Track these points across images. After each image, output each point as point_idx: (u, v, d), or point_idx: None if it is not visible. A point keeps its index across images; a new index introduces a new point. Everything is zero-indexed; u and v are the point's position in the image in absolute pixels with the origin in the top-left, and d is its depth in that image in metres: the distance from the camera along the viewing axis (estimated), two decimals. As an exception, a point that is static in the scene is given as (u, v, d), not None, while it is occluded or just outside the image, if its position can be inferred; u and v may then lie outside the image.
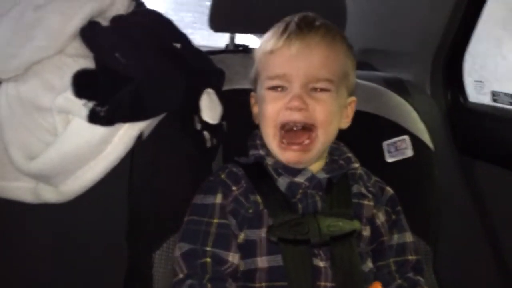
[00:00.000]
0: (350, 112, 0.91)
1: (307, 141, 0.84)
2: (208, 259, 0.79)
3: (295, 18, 0.87)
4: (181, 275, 0.80)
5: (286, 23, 0.87)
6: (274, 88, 0.85)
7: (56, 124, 0.86)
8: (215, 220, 0.82)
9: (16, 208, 0.92)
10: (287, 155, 0.84)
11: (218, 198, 0.83)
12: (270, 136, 0.86)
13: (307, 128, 0.84)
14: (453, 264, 1.04)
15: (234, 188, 0.84)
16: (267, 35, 0.89)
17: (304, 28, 0.85)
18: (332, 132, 0.87)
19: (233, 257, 0.81)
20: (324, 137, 0.85)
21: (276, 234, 0.81)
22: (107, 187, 0.88)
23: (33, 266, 0.96)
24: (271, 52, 0.86)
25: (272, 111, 0.84)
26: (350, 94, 0.91)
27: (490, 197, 1.17)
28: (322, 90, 0.84)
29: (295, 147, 0.84)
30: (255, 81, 0.91)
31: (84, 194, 0.89)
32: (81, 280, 0.96)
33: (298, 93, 0.83)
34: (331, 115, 0.85)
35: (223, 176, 0.86)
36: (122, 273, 0.89)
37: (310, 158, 0.86)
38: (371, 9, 1.51)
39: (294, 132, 0.84)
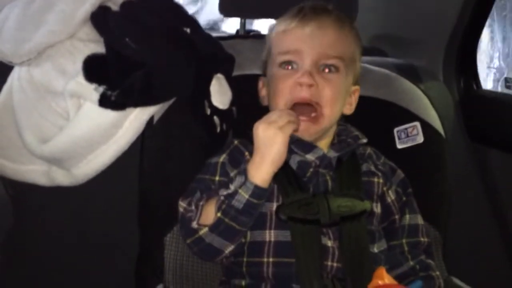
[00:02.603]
0: (353, 100, 0.93)
1: (313, 114, 0.86)
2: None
3: (308, 3, 0.90)
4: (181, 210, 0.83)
5: (299, 7, 0.89)
6: (285, 64, 0.87)
7: (68, 108, 0.87)
8: (217, 178, 0.85)
9: (30, 193, 0.93)
10: (301, 128, 0.85)
11: (222, 158, 0.86)
12: None
13: (313, 106, 0.85)
14: (462, 251, 1.04)
15: (247, 153, 0.86)
16: (282, 18, 0.91)
17: (317, 10, 0.88)
18: (337, 113, 0.89)
19: None
20: (329, 114, 0.86)
21: (286, 212, 0.81)
22: (118, 171, 0.89)
23: (47, 249, 0.98)
24: (284, 31, 0.88)
25: (283, 87, 0.86)
26: (355, 82, 0.92)
27: (501, 185, 1.16)
28: (332, 69, 0.86)
29: (303, 118, 0.85)
30: (265, 63, 0.92)
31: (96, 177, 0.89)
32: (93, 263, 0.98)
33: (308, 70, 0.85)
34: (337, 96, 0.87)
35: (236, 142, 0.89)
36: (134, 256, 0.90)
37: (319, 131, 0.87)
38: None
39: (301, 106, 0.86)
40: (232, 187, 0.80)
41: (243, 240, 0.82)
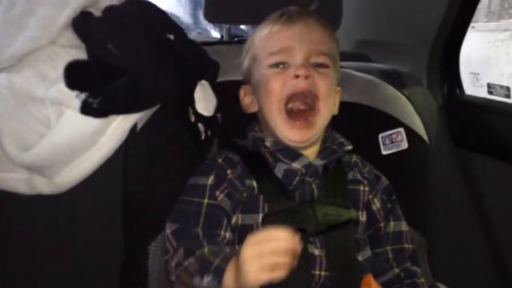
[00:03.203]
0: (337, 101, 0.94)
1: (311, 118, 0.85)
2: (200, 232, 0.81)
3: (289, 8, 0.91)
4: (172, 251, 0.81)
5: (281, 12, 0.90)
6: (275, 65, 0.87)
7: (49, 115, 0.86)
8: (206, 201, 0.83)
9: (10, 200, 0.91)
10: (291, 133, 0.85)
11: (211, 180, 0.85)
12: (275, 112, 0.86)
13: (309, 106, 0.85)
14: (447, 256, 1.05)
15: (229, 171, 0.85)
16: (263, 24, 0.91)
17: (300, 12, 0.90)
18: (329, 112, 0.89)
19: (225, 233, 0.82)
20: (324, 112, 0.87)
21: (272, 222, 0.80)
22: (101, 179, 0.88)
23: (28, 258, 0.96)
24: (271, 33, 0.88)
25: (276, 85, 0.86)
26: (337, 83, 0.93)
27: (485, 189, 1.17)
28: (322, 66, 0.87)
29: (299, 123, 0.85)
30: (248, 69, 0.92)
31: (78, 185, 0.88)
32: (76, 272, 0.96)
33: (302, 63, 0.85)
34: (330, 90, 0.88)
35: (219, 160, 0.87)
36: (118, 265, 0.89)
37: (312, 136, 0.87)
38: (368, 1, 1.50)
39: (297, 111, 0.85)
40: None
41: (233, 255, 0.81)
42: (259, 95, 0.89)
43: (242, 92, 0.93)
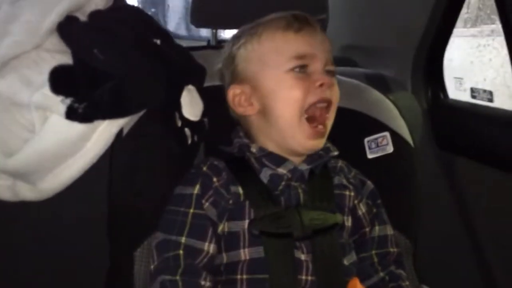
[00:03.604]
0: None
1: (327, 122, 0.86)
2: (181, 251, 0.79)
3: (290, 13, 0.88)
4: (151, 267, 0.80)
5: (289, 16, 0.88)
6: (296, 69, 0.85)
7: (34, 120, 0.85)
8: (191, 210, 0.82)
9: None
10: (311, 142, 0.85)
11: (196, 189, 0.83)
12: (295, 119, 0.84)
13: (323, 112, 0.86)
14: (433, 259, 1.06)
15: (215, 179, 0.84)
16: (269, 26, 0.88)
17: (308, 18, 0.88)
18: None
19: (209, 247, 0.81)
20: (332, 117, 0.88)
21: (258, 227, 0.81)
22: (86, 185, 0.87)
23: (13, 265, 0.95)
24: (292, 37, 0.86)
25: (299, 93, 0.84)
26: None
27: (469, 191, 1.19)
28: (332, 74, 0.88)
29: (320, 127, 0.85)
30: (248, 72, 0.87)
31: (63, 192, 0.87)
32: (62, 279, 0.95)
33: (322, 71, 0.85)
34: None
35: (204, 168, 0.86)
36: (103, 271, 0.88)
37: (323, 143, 0.88)
38: (353, 6, 1.52)
39: (316, 118, 0.85)
40: None
41: (220, 262, 0.82)
42: (270, 100, 0.86)
43: (231, 93, 0.89)
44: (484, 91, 1.28)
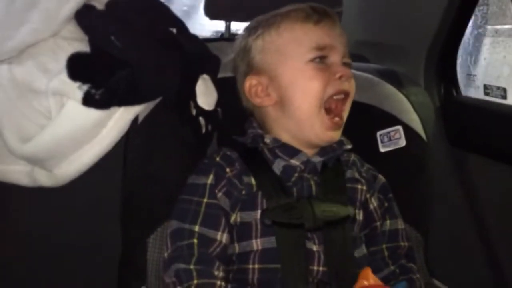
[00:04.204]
0: None
1: (344, 114, 0.87)
2: (195, 240, 0.80)
3: (308, 4, 0.89)
4: (165, 255, 0.81)
5: (306, 7, 0.88)
6: (316, 59, 0.85)
7: (50, 107, 0.86)
8: (205, 200, 0.83)
9: (11, 193, 0.91)
10: (329, 134, 0.86)
11: (210, 179, 0.84)
12: (314, 110, 0.85)
13: (340, 104, 0.86)
14: (444, 254, 1.06)
15: (228, 169, 0.85)
16: (284, 18, 0.88)
17: (330, 10, 0.89)
18: None
19: (222, 236, 0.81)
20: (348, 109, 0.88)
21: (270, 217, 0.81)
22: (101, 172, 0.88)
23: (28, 250, 0.96)
24: (312, 29, 0.86)
25: (319, 84, 0.84)
26: None
27: (481, 189, 1.18)
28: (348, 66, 0.88)
29: (337, 119, 0.86)
30: (266, 63, 0.87)
31: (78, 178, 0.88)
32: (76, 264, 0.96)
33: (341, 63, 0.86)
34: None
35: (217, 158, 0.86)
36: (116, 257, 0.89)
37: (339, 135, 0.88)
38: (367, 2, 1.52)
39: (333, 109, 0.85)
40: None
41: (232, 252, 0.82)
42: (289, 91, 0.85)
43: (248, 84, 0.88)
44: (498, 88, 1.28)
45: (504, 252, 1.14)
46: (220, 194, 0.83)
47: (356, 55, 1.46)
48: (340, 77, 0.84)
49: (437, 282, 0.95)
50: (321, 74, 0.84)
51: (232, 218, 0.83)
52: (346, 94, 0.87)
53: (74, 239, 0.96)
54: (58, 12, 0.85)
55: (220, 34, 1.23)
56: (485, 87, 1.30)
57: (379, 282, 0.75)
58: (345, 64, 0.87)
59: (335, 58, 0.86)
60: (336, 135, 0.87)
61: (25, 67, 0.87)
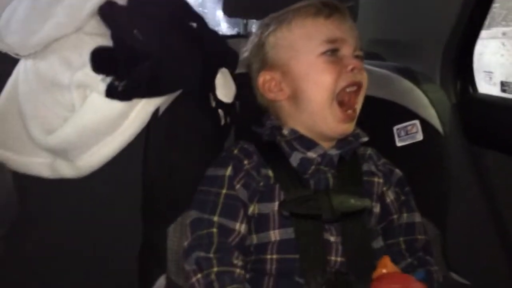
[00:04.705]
0: None
1: (356, 107, 0.88)
2: (215, 230, 0.81)
3: (319, 0, 0.90)
4: (185, 243, 0.82)
5: (317, 2, 0.89)
6: (328, 52, 0.86)
7: (73, 100, 0.88)
8: (224, 191, 0.84)
9: (34, 184, 0.93)
10: (342, 126, 0.86)
11: (229, 171, 0.85)
12: (326, 103, 0.85)
13: (353, 96, 0.87)
14: (462, 250, 1.05)
15: (245, 162, 0.86)
16: (299, 11, 0.89)
17: (335, 3, 0.90)
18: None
19: (240, 227, 0.82)
20: (361, 102, 0.89)
21: (288, 208, 0.82)
22: (123, 162, 0.90)
23: (51, 240, 0.98)
24: (323, 23, 0.87)
25: (331, 77, 0.85)
26: None
27: (499, 185, 1.18)
28: (360, 59, 0.89)
29: (350, 112, 0.86)
30: (280, 58, 0.89)
31: (100, 170, 0.90)
32: (97, 254, 0.98)
33: (353, 55, 0.87)
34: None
35: (235, 151, 0.88)
36: (137, 247, 0.91)
37: (352, 127, 0.89)
38: (382, 0, 1.52)
39: (346, 102, 0.86)
40: None
41: (250, 243, 0.83)
42: (302, 85, 0.87)
43: (261, 79, 0.90)
44: (516, 84, 1.27)
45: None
46: (238, 185, 0.84)
47: (371, 54, 1.47)
48: (352, 69, 0.85)
49: (455, 276, 0.94)
50: (332, 66, 0.85)
51: (250, 210, 0.84)
52: (359, 86, 0.87)
53: (96, 229, 0.98)
54: (81, 8, 0.88)
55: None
56: (502, 83, 1.30)
57: (398, 270, 0.76)
58: (357, 57, 0.88)
59: (346, 50, 0.87)
60: (349, 127, 0.88)
61: (49, 62, 0.89)
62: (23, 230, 0.96)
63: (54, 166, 0.92)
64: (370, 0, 1.50)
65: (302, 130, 0.89)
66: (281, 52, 0.89)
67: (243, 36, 1.18)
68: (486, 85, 1.32)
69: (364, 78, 0.88)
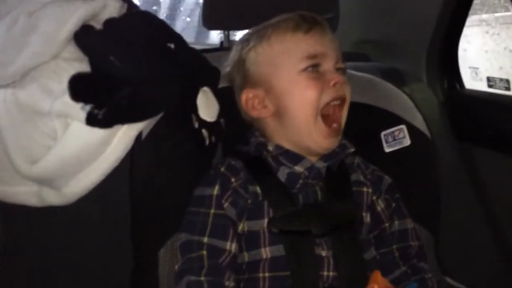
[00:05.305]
0: None
1: (342, 119, 0.87)
2: (204, 252, 0.81)
3: (298, 13, 0.89)
4: (176, 267, 0.82)
5: (297, 16, 0.88)
6: (311, 68, 0.85)
7: (56, 128, 0.87)
8: (212, 211, 0.83)
9: (19, 213, 0.93)
10: (326, 139, 0.86)
11: (216, 190, 0.84)
12: (310, 119, 0.85)
13: (337, 110, 0.86)
14: (455, 251, 1.06)
15: (233, 179, 0.85)
16: (274, 28, 0.88)
17: (316, 18, 0.89)
18: None
19: (231, 246, 0.82)
20: (346, 114, 0.88)
21: (277, 225, 0.82)
22: (108, 188, 0.89)
23: (39, 268, 0.97)
24: (302, 38, 0.86)
25: (314, 93, 0.84)
26: None
27: (489, 182, 1.18)
28: (343, 70, 0.88)
29: (335, 125, 0.86)
30: (261, 75, 0.88)
31: (87, 195, 0.89)
32: (87, 281, 0.97)
33: (334, 69, 0.86)
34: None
35: (222, 169, 0.87)
36: (128, 272, 0.90)
37: (338, 141, 0.88)
38: (365, 0, 1.52)
39: (331, 110, 0.86)
40: None
41: (241, 261, 0.83)
42: (285, 102, 0.86)
43: (244, 97, 0.90)
44: (501, 79, 1.27)
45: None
46: (226, 204, 0.84)
47: (357, 54, 1.47)
48: (334, 84, 0.85)
49: (449, 280, 0.94)
50: (314, 83, 0.84)
51: (240, 227, 0.83)
52: (343, 99, 0.87)
53: (85, 256, 0.97)
54: (57, 35, 0.86)
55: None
56: (488, 79, 1.30)
57: (389, 285, 0.76)
58: (339, 69, 0.87)
59: (328, 65, 0.86)
60: (335, 142, 0.87)
61: (28, 90, 0.88)
62: (9, 258, 0.96)
63: (41, 194, 0.91)
64: (354, 0, 1.50)
65: (287, 145, 0.88)
66: (262, 68, 0.88)
67: (226, 48, 1.17)
68: (473, 81, 1.32)
69: (347, 92, 0.87)
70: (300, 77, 0.85)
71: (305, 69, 0.85)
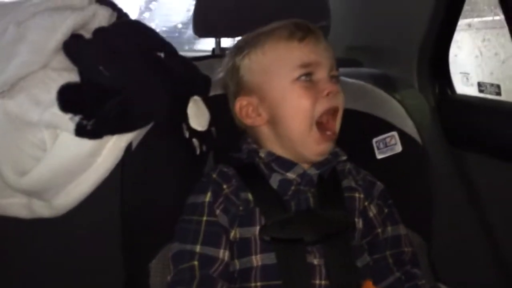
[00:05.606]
0: None
1: (336, 128, 0.87)
2: (196, 262, 0.80)
3: (292, 21, 0.89)
4: (168, 278, 0.81)
5: (291, 24, 0.88)
6: (304, 76, 0.85)
7: (45, 139, 0.86)
8: (205, 218, 0.83)
9: (9, 225, 0.92)
10: (321, 146, 0.86)
11: (208, 197, 0.84)
12: (305, 128, 0.85)
13: (331, 118, 0.87)
14: (448, 256, 1.05)
15: (224, 186, 0.85)
16: (269, 35, 0.88)
17: (310, 26, 0.89)
18: None
19: (224, 254, 0.81)
20: (339, 122, 0.88)
21: (269, 233, 0.81)
22: (99, 199, 0.88)
23: (30, 282, 0.96)
24: (297, 47, 0.86)
25: (308, 103, 0.84)
26: None
27: (482, 187, 1.18)
28: (336, 78, 0.88)
29: (329, 133, 0.86)
30: (254, 83, 0.88)
31: (77, 207, 0.89)
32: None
33: (328, 78, 0.86)
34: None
35: (214, 176, 0.87)
36: (119, 283, 0.89)
37: (332, 147, 0.88)
38: (356, 6, 1.52)
39: (326, 118, 0.86)
40: None
41: (233, 269, 0.82)
42: (279, 110, 0.86)
43: (238, 105, 0.89)
44: (492, 85, 1.27)
45: (509, 252, 1.13)
46: (218, 211, 0.83)
47: (348, 60, 1.47)
48: (327, 94, 0.85)
49: (443, 286, 0.94)
50: (308, 92, 0.84)
51: (232, 235, 0.83)
52: (336, 109, 0.87)
53: (76, 268, 0.96)
54: (45, 45, 0.86)
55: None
56: (479, 84, 1.30)
57: (381, 294, 0.75)
58: (332, 77, 0.87)
59: (321, 74, 0.86)
60: (329, 146, 0.87)
61: (17, 100, 0.87)
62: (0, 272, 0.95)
63: (30, 206, 0.90)
64: (345, 6, 1.50)
65: (280, 152, 0.88)
66: (256, 76, 0.88)
67: (217, 56, 1.17)
68: (464, 87, 1.32)
69: (340, 101, 0.87)
70: (294, 86, 0.85)
71: (298, 78, 0.85)
